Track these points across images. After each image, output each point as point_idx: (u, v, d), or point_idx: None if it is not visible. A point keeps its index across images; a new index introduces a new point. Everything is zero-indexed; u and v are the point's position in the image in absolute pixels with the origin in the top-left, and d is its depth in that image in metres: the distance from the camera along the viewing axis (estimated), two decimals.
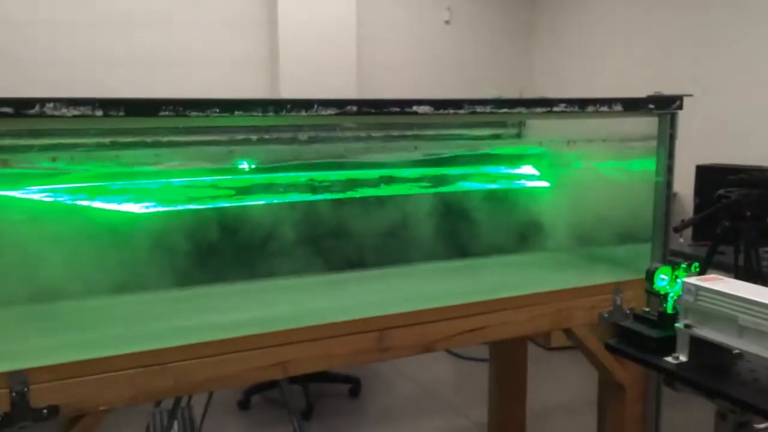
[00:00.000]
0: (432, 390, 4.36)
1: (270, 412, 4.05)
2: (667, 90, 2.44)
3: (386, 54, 5.55)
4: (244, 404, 4.04)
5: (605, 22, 5.57)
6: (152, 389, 1.79)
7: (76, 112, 1.64)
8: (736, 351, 1.48)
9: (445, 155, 2.79)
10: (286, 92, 4.95)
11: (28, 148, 2.04)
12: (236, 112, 1.84)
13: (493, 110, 2.27)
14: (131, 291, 2.17)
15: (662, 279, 1.70)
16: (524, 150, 2.97)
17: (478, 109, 2.18)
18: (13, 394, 1.62)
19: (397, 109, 2.07)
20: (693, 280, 1.60)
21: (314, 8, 5.00)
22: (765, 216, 3.53)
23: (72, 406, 1.69)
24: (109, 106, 1.68)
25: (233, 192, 2.41)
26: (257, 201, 2.45)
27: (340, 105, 1.96)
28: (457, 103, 2.13)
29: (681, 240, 4.09)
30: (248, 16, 5.11)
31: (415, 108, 2.05)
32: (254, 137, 2.47)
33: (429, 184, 2.75)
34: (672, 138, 2.45)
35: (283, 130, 2.53)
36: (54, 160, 2.03)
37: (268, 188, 2.48)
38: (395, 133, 2.68)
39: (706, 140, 4.36)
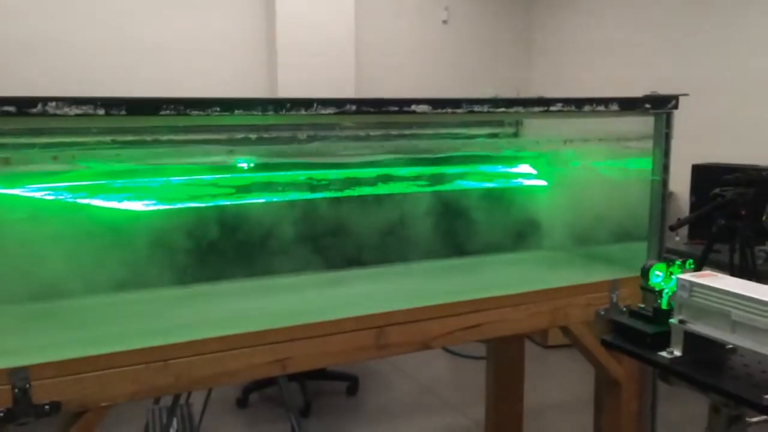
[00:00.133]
0: (429, 388, 4.37)
1: (268, 410, 4.06)
2: (664, 90, 2.45)
3: (384, 53, 5.57)
4: (242, 402, 4.06)
5: (602, 22, 5.59)
6: (153, 385, 1.80)
7: (78, 111, 1.65)
8: (730, 346, 1.50)
9: (443, 155, 2.81)
10: (284, 92, 4.97)
11: (30, 147, 2.05)
12: (236, 111, 1.85)
13: (491, 110, 2.27)
14: (132, 288, 2.19)
15: (657, 275, 1.72)
16: (522, 152, 2.99)
17: (476, 108, 2.19)
18: (16, 390, 1.62)
19: (396, 109, 2.08)
20: (687, 276, 1.62)
21: (313, 8, 5.01)
22: (760, 215, 3.56)
23: (74, 403, 1.70)
24: (110, 105, 1.69)
25: (233, 190, 2.43)
26: (257, 199, 2.46)
27: (339, 104, 1.97)
28: (455, 103, 2.14)
29: (677, 238, 4.12)
30: (247, 16, 5.12)
31: (413, 107, 2.07)
32: (253, 136, 2.49)
33: (427, 183, 2.76)
34: (668, 137, 2.46)
35: (283, 129, 2.54)
36: (55, 158, 2.04)
37: (268, 187, 2.50)
38: (394, 132, 2.70)
39: (703, 139, 4.38)
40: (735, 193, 3.35)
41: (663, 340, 1.66)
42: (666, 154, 2.46)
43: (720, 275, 1.61)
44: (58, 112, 1.63)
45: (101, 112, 1.68)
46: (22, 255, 2.01)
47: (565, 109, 2.34)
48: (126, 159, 2.23)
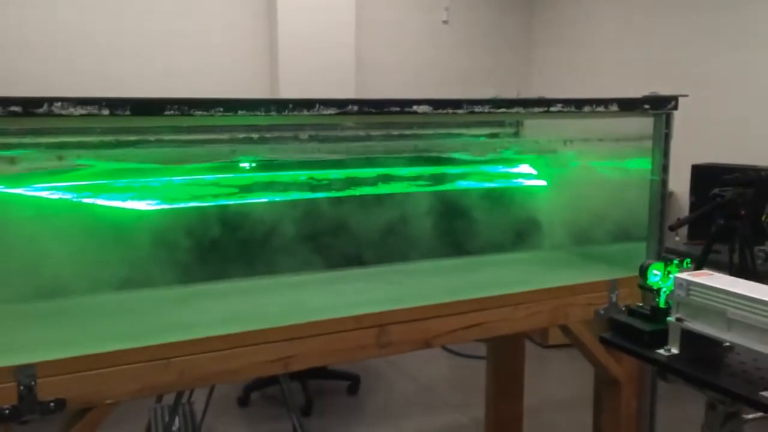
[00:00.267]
0: (430, 387, 4.39)
1: (269, 409, 4.08)
2: (663, 90, 2.47)
3: (384, 54, 5.58)
4: (243, 401, 4.07)
5: (602, 22, 5.61)
6: (157, 383, 1.82)
7: (83, 111, 1.67)
8: (726, 343, 1.52)
9: (444, 155, 2.82)
10: (285, 92, 4.98)
11: (34, 146, 2.06)
12: (240, 112, 1.87)
13: (491, 110, 2.29)
14: (136, 287, 2.20)
15: (655, 274, 1.75)
16: (522, 152, 3.00)
17: (477, 108, 2.20)
18: (21, 387, 1.64)
19: (397, 109, 2.10)
20: (685, 275, 1.64)
21: (313, 8, 5.02)
22: (759, 215, 3.58)
23: (78, 400, 1.71)
24: (115, 105, 1.70)
25: (235, 190, 2.44)
26: (258, 199, 2.48)
27: (341, 104, 1.99)
28: (456, 103, 2.16)
29: (677, 238, 4.13)
30: (248, 15, 5.13)
31: (414, 108, 2.08)
32: (255, 136, 2.50)
33: (427, 183, 2.78)
34: (667, 137, 2.47)
35: (284, 129, 2.55)
36: (60, 158, 2.06)
37: (269, 186, 2.51)
38: (394, 132, 2.71)
39: (702, 140, 4.40)
40: (734, 193, 3.36)
41: (661, 338, 1.68)
42: (665, 154, 2.48)
43: (717, 274, 1.63)
44: (64, 112, 1.65)
45: (106, 112, 1.70)
46: (27, 254, 2.02)
47: (565, 109, 2.35)
48: (129, 158, 2.25)
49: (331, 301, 2.26)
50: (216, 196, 2.42)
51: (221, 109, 1.83)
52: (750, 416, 1.57)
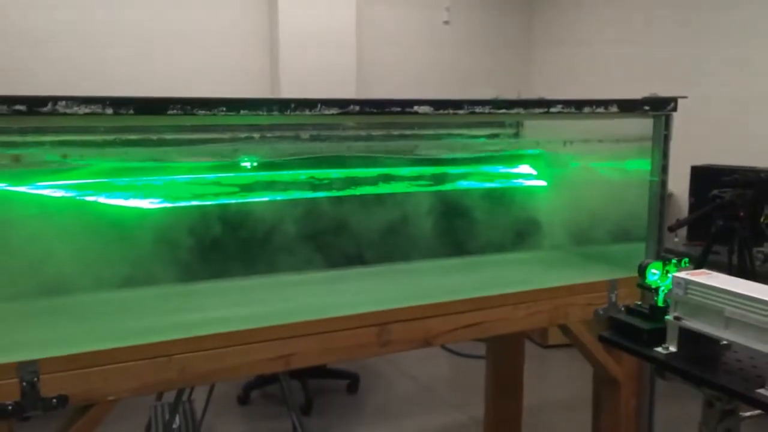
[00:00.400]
0: (429, 386, 4.40)
1: (269, 408, 4.09)
2: (663, 92, 2.48)
3: (385, 54, 5.60)
4: (243, 399, 4.09)
5: (602, 23, 5.62)
6: (159, 380, 1.83)
7: (87, 110, 1.68)
8: (724, 342, 1.54)
9: (444, 155, 2.83)
10: (287, 91, 5.00)
11: (38, 145, 2.08)
12: (242, 111, 1.88)
13: (492, 111, 2.30)
14: (138, 285, 2.21)
15: (654, 273, 1.76)
16: (522, 153, 3.01)
17: (477, 109, 2.21)
18: (24, 383, 1.65)
19: (398, 109, 2.10)
20: (683, 274, 1.66)
21: (314, 7, 5.04)
22: (758, 216, 3.59)
23: (81, 396, 1.72)
24: (119, 104, 1.72)
25: (236, 189, 2.45)
26: (260, 198, 2.49)
27: (342, 104, 2.00)
28: (456, 104, 2.17)
29: (676, 239, 4.15)
30: (250, 15, 5.15)
31: (415, 108, 2.09)
32: (257, 135, 2.51)
33: (428, 183, 2.79)
34: (666, 139, 2.48)
35: (286, 129, 2.56)
36: (65, 156, 2.07)
37: (270, 185, 2.52)
38: (395, 132, 2.72)
39: (702, 141, 4.41)
40: (733, 195, 3.38)
41: (659, 336, 1.69)
42: (665, 155, 2.48)
43: (714, 273, 1.65)
44: (68, 111, 1.66)
45: (110, 111, 1.71)
46: (30, 252, 2.03)
47: (565, 110, 2.36)
48: (131, 157, 2.26)
49: (331, 300, 2.27)
50: (217, 195, 2.43)
51: (224, 109, 1.84)
52: (747, 414, 1.58)
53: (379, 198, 2.67)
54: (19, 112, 1.63)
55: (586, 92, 2.62)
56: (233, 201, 2.44)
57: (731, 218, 3.43)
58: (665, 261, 1.75)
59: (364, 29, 5.34)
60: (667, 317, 1.68)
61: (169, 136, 2.34)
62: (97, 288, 2.12)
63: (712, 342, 1.56)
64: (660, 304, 1.76)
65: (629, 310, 1.86)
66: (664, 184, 2.50)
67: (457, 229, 2.82)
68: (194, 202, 2.38)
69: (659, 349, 1.67)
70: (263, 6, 5.15)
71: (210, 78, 4.90)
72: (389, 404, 4.13)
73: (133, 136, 2.28)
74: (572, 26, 5.91)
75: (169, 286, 2.27)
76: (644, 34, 5.20)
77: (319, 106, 1.96)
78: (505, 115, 2.72)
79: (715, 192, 3.45)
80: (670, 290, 1.70)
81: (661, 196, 2.50)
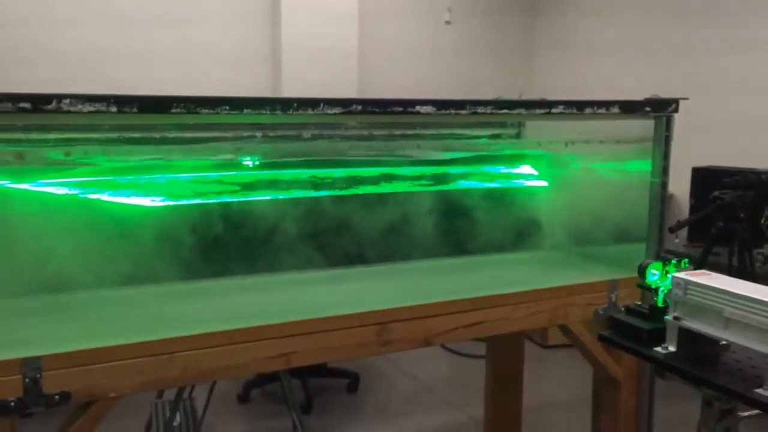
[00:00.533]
0: (429, 386, 4.41)
1: (269, 406, 4.10)
2: (665, 93, 2.49)
3: (387, 53, 5.60)
4: (243, 398, 4.09)
5: (604, 24, 5.62)
6: (160, 377, 1.84)
7: (91, 108, 1.69)
8: (723, 342, 1.55)
9: (446, 155, 2.84)
10: (288, 91, 5.00)
11: (42, 142, 2.09)
12: (245, 110, 1.89)
13: (494, 111, 2.31)
14: (141, 283, 2.22)
15: (653, 274, 1.77)
16: (523, 153, 3.02)
17: (479, 109, 2.22)
18: (27, 380, 1.65)
19: (401, 109, 2.11)
20: (682, 274, 1.67)
21: (316, 8, 5.04)
22: (759, 218, 3.60)
23: (83, 393, 1.73)
24: (122, 102, 1.73)
25: (238, 188, 2.46)
26: (261, 197, 2.50)
27: (345, 104, 2.01)
28: (458, 104, 2.18)
29: (677, 240, 4.15)
30: (250, 17, 5.15)
31: (418, 108, 2.10)
32: (259, 134, 2.52)
33: (429, 183, 2.80)
34: (668, 140, 2.49)
35: (288, 128, 2.57)
36: (68, 154, 2.08)
37: (272, 184, 2.53)
38: (397, 132, 2.73)
39: (703, 142, 4.42)
40: (734, 196, 3.38)
41: (658, 336, 1.70)
42: (666, 156, 2.49)
43: (714, 274, 1.66)
44: (72, 109, 1.67)
45: (114, 109, 1.72)
46: (34, 249, 2.04)
47: (567, 111, 2.37)
48: (134, 155, 2.27)
49: (332, 299, 2.28)
50: (220, 194, 2.44)
51: (227, 108, 1.85)
52: (746, 413, 1.59)
53: (380, 197, 2.68)
54: (24, 110, 1.63)
55: (587, 94, 2.63)
56: (235, 199, 2.45)
57: (731, 219, 3.43)
58: (665, 261, 1.76)
59: (365, 29, 5.34)
60: (666, 317, 1.69)
61: (172, 135, 2.34)
62: (99, 285, 2.13)
63: (711, 342, 1.57)
64: (660, 304, 1.77)
65: (629, 310, 1.87)
66: (664, 185, 2.51)
67: (457, 228, 2.83)
68: (196, 201, 2.39)
69: (659, 349, 1.68)
70: (265, 2, 5.15)
71: (211, 78, 4.89)
72: (389, 403, 4.13)
73: (136, 135, 2.29)
74: (574, 26, 5.91)
75: (171, 284, 2.28)
76: (645, 37, 5.20)
77: (321, 105, 1.97)
78: (506, 115, 2.72)
79: (716, 193, 3.46)
80: (669, 290, 1.71)
81: (661, 197, 2.51)
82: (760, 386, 1.44)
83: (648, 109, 2.46)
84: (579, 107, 2.39)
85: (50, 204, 2.13)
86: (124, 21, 4.73)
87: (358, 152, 2.70)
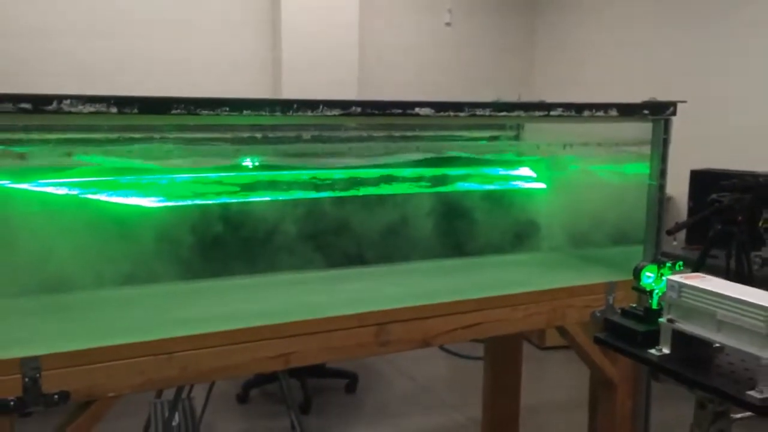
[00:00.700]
0: (427, 387, 4.42)
1: (268, 406, 4.11)
2: (664, 96, 2.50)
3: (387, 55, 5.60)
4: (242, 398, 4.10)
5: (604, 27, 5.63)
6: (159, 377, 1.85)
7: (91, 109, 1.70)
8: (716, 344, 1.56)
9: (445, 156, 2.85)
10: (288, 92, 5.01)
11: (43, 143, 2.09)
12: (245, 112, 1.90)
13: (492, 113, 2.32)
14: (140, 283, 2.23)
15: (648, 276, 1.78)
16: (522, 155, 3.03)
17: (478, 112, 2.23)
18: (26, 379, 1.66)
19: (400, 111, 2.13)
20: (677, 277, 1.68)
21: (317, 9, 5.05)
22: (756, 221, 3.61)
23: (82, 392, 1.74)
24: (123, 103, 1.74)
25: (238, 188, 2.47)
26: (261, 197, 2.51)
27: (344, 106, 2.02)
28: (457, 106, 2.19)
29: (675, 243, 4.16)
30: (251, 17, 5.16)
31: (417, 110, 2.11)
32: (259, 135, 2.53)
33: (428, 184, 2.81)
34: (666, 143, 2.49)
35: (287, 129, 2.58)
36: (69, 154, 2.09)
37: (272, 185, 2.54)
38: (396, 133, 2.74)
39: (702, 145, 4.43)
40: (732, 199, 3.38)
41: (653, 338, 1.72)
42: (663, 159, 2.50)
43: (708, 277, 1.67)
44: (73, 109, 1.68)
45: (114, 110, 1.73)
46: (34, 249, 2.05)
47: (566, 114, 2.38)
48: (134, 156, 2.28)
49: (332, 299, 2.29)
50: (219, 194, 2.45)
51: (227, 109, 1.86)
52: (738, 415, 1.60)
53: (379, 198, 2.69)
54: (25, 110, 1.65)
55: (587, 96, 2.63)
56: (235, 200, 2.46)
57: (729, 222, 3.44)
58: (660, 264, 1.77)
59: (366, 30, 5.35)
60: (660, 320, 1.70)
61: (171, 136, 2.35)
62: (99, 285, 2.14)
63: (704, 344, 1.58)
64: (654, 306, 1.78)
65: (624, 313, 1.88)
66: (662, 187, 2.51)
67: (456, 230, 2.84)
68: (196, 201, 2.40)
69: (653, 351, 1.69)
70: (266, 8, 5.16)
71: (211, 78, 4.91)
72: (388, 404, 4.14)
73: (137, 135, 2.30)
74: (574, 29, 5.92)
75: (170, 284, 2.29)
76: (645, 39, 5.22)
77: (321, 107, 1.98)
78: (505, 117, 2.74)
79: (714, 196, 3.46)
80: (664, 293, 1.73)
81: (659, 199, 2.51)
82: (753, 388, 1.45)
83: (646, 112, 2.46)
84: (577, 110, 2.40)
85: (50, 204, 2.14)
86: (121, 13, 4.74)
87: (357, 153, 2.70)
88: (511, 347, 3.24)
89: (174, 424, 3.06)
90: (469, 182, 2.90)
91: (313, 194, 2.59)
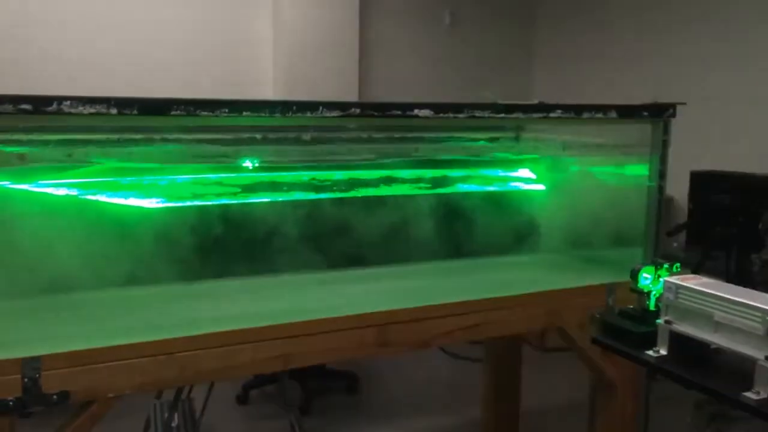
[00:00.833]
0: (427, 388, 4.41)
1: (268, 407, 4.11)
2: (664, 98, 2.50)
3: (387, 56, 5.60)
4: (242, 399, 4.10)
5: (604, 30, 5.63)
6: (159, 378, 1.86)
7: (92, 110, 1.71)
8: (713, 345, 1.56)
9: (444, 157, 2.86)
10: (289, 93, 5.01)
11: (43, 144, 2.10)
12: (244, 113, 1.90)
13: (492, 115, 2.32)
14: (140, 284, 2.24)
15: (645, 278, 1.79)
16: (522, 157, 3.03)
17: (477, 113, 2.24)
18: (26, 379, 1.67)
19: (399, 113, 2.13)
20: (674, 279, 1.69)
21: (317, 10, 5.06)
22: (756, 222, 3.60)
23: (82, 393, 1.75)
24: (123, 104, 1.75)
25: (238, 190, 2.48)
26: (261, 199, 2.51)
27: (344, 107, 2.03)
28: (457, 107, 2.19)
29: (675, 244, 4.16)
30: (252, 16, 5.16)
31: (416, 111, 2.12)
32: (259, 136, 2.53)
33: (428, 186, 2.81)
34: (665, 144, 2.50)
35: (287, 131, 2.58)
36: (69, 155, 2.10)
37: (272, 186, 2.54)
38: (396, 135, 2.74)
39: (702, 146, 4.42)
40: (732, 200, 3.38)
41: (650, 339, 1.72)
42: (663, 160, 2.50)
43: (705, 278, 1.67)
44: (73, 110, 1.69)
45: (114, 111, 1.74)
46: (34, 250, 2.06)
47: (565, 115, 2.38)
48: (134, 157, 2.28)
49: (332, 301, 2.29)
50: (219, 196, 2.45)
51: (226, 110, 1.87)
52: (734, 416, 1.61)
53: (380, 200, 2.69)
54: (25, 111, 1.65)
55: (586, 98, 2.63)
56: (235, 201, 2.46)
57: (729, 224, 3.44)
58: (657, 266, 1.78)
59: (366, 31, 5.35)
60: (658, 321, 1.71)
61: (171, 137, 2.36)
62: (99, 286, 2.15)
63: (701, 346, 1.59)
64: (651, 308, 1.79)
65: (622, 314, 1.89)
66: (661, 189, 2.52)
67: (456, 231, 2.84)
68: (197, 202, 2.40)
69: (650, 352, 1.70)
70: (267, 8, 5.17)
71: (210, 81, 4.90)
72: (387, 405, 4.14)
73: (137, 136, 2.30)
74: (574, 32, 5.92)
75: (171, 285, 2.29)
76: (645, 42, 5.21)
77: (320, 108, 1.99)
78: (504, 119, 2.74)
79: (714, 197, 3.46)
80: (661, 294, 1.73)
81: (658, 201, 2.52)
82: (749, 389, 1.46)
83: (645, 113, 2.47)
84: (577, 111, 2.40)
85: (51, 205, 2.15)
86: (122, 13, 4.74)
87: (357, 154, 2.71)
88: (510, 349, 3.25)
89: (173, 424, 3.05)
90: (468, 183, 2.91)
91: (313, 195, 2.59)
